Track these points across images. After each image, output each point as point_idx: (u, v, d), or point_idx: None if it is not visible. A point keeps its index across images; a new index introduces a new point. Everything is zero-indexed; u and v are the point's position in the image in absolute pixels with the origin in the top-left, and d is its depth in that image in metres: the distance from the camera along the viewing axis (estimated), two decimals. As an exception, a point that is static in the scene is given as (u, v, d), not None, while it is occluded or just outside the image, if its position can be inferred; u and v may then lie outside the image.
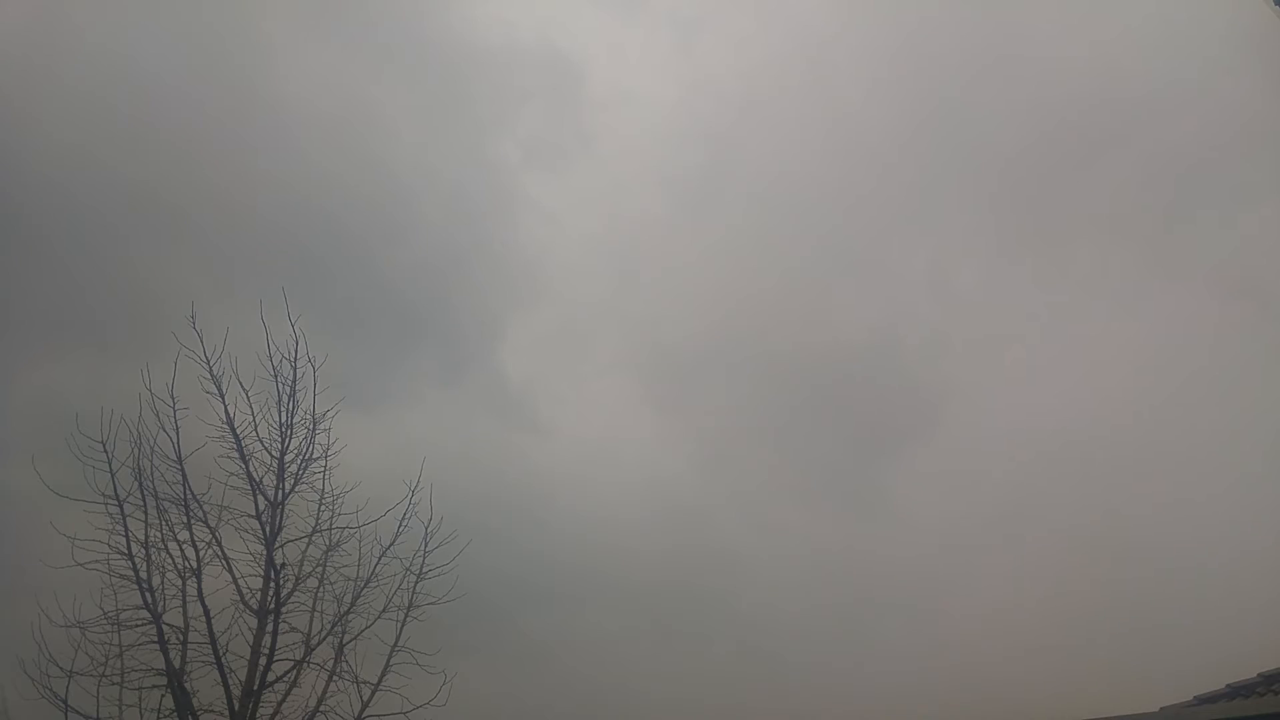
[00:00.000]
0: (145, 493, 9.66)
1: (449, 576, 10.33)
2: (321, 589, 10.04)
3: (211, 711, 9.44)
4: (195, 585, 9.60)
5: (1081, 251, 20.09)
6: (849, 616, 16.86)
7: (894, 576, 17.05)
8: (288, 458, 10.27)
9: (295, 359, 10.44)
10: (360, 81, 20.54)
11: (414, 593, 10.25)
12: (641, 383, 21.17)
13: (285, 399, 10.40)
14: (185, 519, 9.75)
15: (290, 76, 19.62)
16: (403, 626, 10.09)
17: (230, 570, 9.81)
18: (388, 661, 9.98)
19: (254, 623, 9.74)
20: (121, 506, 9.58)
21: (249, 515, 10.03)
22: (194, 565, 9.66)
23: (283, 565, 9.98)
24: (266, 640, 9.68)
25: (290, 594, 9.94)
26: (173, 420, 9.86)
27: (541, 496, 17.46)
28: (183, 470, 9.80)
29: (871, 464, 19.75)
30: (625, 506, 18.54)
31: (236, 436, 10.10)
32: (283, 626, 9.81)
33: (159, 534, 9.67)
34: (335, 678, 9.83)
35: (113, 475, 9.56)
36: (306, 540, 10.16)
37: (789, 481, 19.21)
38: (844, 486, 19.42)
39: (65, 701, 8.97)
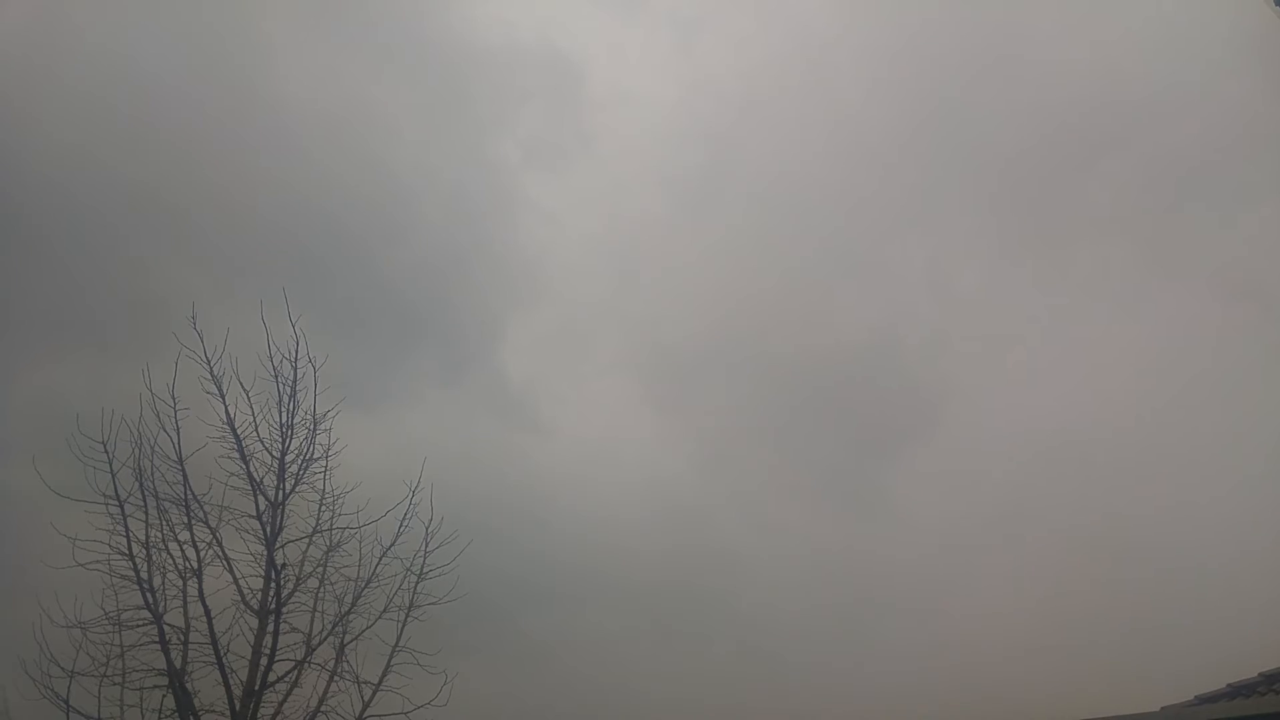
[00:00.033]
0: (146, 493, 9.68)
1: (449, 576, 10.36)
2: (322, 589, 10.05)
3: (213, 711, 9.45)
4: (196, 585, 9.61)
5: (1082, 253, 20.11)
6: (849, 617, 16.86)
7: (894, 577, 17.06)
8: (288, 458, 10.28)
9: (296, 359, 10.47)
10: (360, 81, 20.55)
11: (415, 593, 10.27)
12: (642, 383, 21.18)
13: (286, 399, 10.42)
14: (186, 519, 9.75)
15: (290, 76, 19.64)
16: (403, 627, 10.12)
17: (231, 570, 9.83)
18: (388, 661, 10.00)
19: (255, 623, 9.74)
20: (122, 507, 9.59)
21: (250, 515, 10.04)
22: (195, 565, 9.67)
23: (283, 565, 9.98)
24: (267, 640, 9.68)
25: (291, 594, 9.94)
26: (173, 420, 9.89)
27: (542, 496, 17.47)
28: (183, 470, 9.82)
29: (871, 464, 19.77)
30: (625, 506, 18.55)
31: (237, 437, 10.11)
32: (284, 627, 9.82)
33: (160, 534, 9.68)
34: (336, 678, 9.84)
35: (113, 475, 9.58)
36: (307, 540, 10.17)
37: (789, 481, 19.21)
38: (844, 486, 19.43)
39: (67, 702, 8.98)
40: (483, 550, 11.28)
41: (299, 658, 9.78)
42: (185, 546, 9.72)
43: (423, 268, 19.77)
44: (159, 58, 18.22)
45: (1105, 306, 19.59)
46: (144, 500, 9.65)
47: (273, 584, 9.88)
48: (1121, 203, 19.79)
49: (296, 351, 10.44)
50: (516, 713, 13.85)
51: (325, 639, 9.90)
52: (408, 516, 10.38)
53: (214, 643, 9.46)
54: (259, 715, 9.54)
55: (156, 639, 9.36)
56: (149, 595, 9.45)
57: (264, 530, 10.02)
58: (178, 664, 9.37)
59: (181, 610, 9.53)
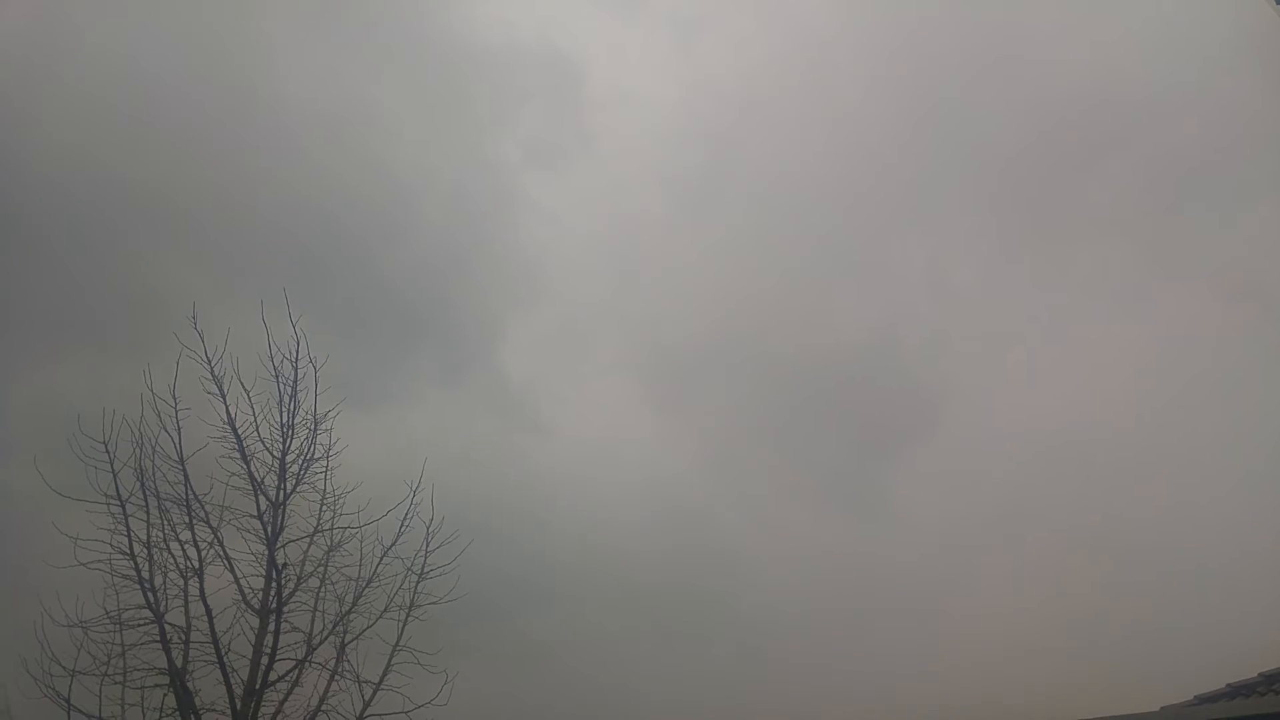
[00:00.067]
0: (147, 493, 9.70)
1: (450, 576, 10.37)
2: (323, 589, 10.07)
3: (213, 711, 9.47)
4: (197, 585, 9.64)
5: (1082, 252, 20.09)
6: (850, 617, 16.86)
7: (895, 577, 17.06)
8: (289, 458, 10.30)
9: (296, 359, 10.49)
10: (360, 81, 20.55)
11: (415, 592, 10.28)
12: (642, 383, 21.17)
13: (286, 399, 10.44)
14: (187, 519, 9.78)
15: (290, 76, 19.63)
16: (404, 626, 10.14)
17: (232, 570, 9.85)
18: (389, 661, 10.02)
19: (256, 622, 9.77)
20: (124, 506, 9.62)
21: (251, 515, 10.06)
22: (196, 565, 9.69)
23: (284, 565, 10.00)
24: (268, 640, 9.70)
25: (292, 594, 9.96)
26: (174, 420, 9.91)
27: (542, 496, 17.46)
28: (184, 470, 9.84)
29: (872, 464, 19.76)
30: (626, 507, 18.54)
31: (238, 437, 10.13)
32: (284, 626, 9.84)
33: (161, 534, 9.70)
34: (337, 677, 9.86)
35: (115, 475, 9.60)
36: (308, 540, 10.19)
37: (789, 481, 19.21)
38: (844, 486, 19.43)
39: (68, 701, 9.00)
40: (483, 550, 11.30)
41: (300, 657, 9.80)
42: (186, 546, 9.76)
43: (423, 268, 19.77)
44: (159, 58, 18.24)
45: (1105, 306, 19.59)
46: (145, 500, 9.69)
47: (274, 583, 9.90)
48: (1121, 202, 19.80)
49: (297, 351, 10.48)
50: (516, 712, 13.86)
51: (326, 638, 9.92)
52: (409, 516, 10.41)
53: (215, 642, 9.48)
54: (260, 714, 9.56)
55: (158, 638, 9.39)
56: (150, 594, 9.47)
57: (265, 530, 10.04)
58: (179, 663, 9.39)
59: (183, 609, 9.56)
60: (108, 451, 9.57)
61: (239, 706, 9.44)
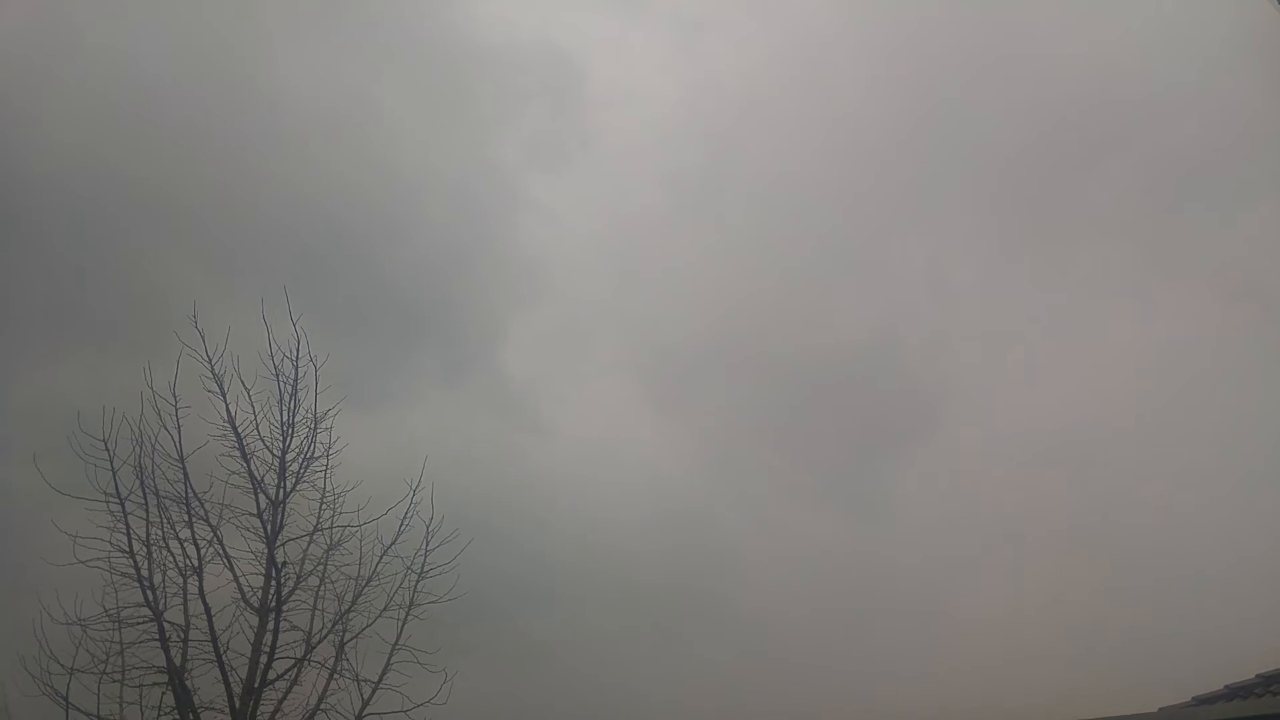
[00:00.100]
0: (147, 491, 9.72)
1: (450, 575, 10.39)
2: (323, 587, 10.08)
3: (212, 709, 9.48)
4: (196, 583, 9.65)
5: (1082, 251, 20.06)
6: (850, 618, 16.85)
7: (895, 579, 17.05)
8: (289, 456, 10.31)
9: (297, 358, 10.50)
10: (362, 80, 20.54)
11: (415, 591, 10.30)
12: (642, 383, 21.15)
13: (287, 398, 10.45)
14: (186, 517, 9.80)
15: (292, 74, 19.62)
16: (404, 625, 10.15)
17: (231, 568, 9.86)
18: (388, 660, 10.02)
19: (255, 621, 9.78)
20: (123, 504, 9.63)
21: (250, 514, 10.07)
22: (195, 563, 9.71)
23: (284, 564, 10.01)
24: (267, 638, 9.71)
25: (291, 592, 9.97)
26: (174, 418, 9.93)
27: (542, 496, 17.45)
28: (184, 468, 9.85)
29: (872, 465, 19.74)
30: (626, 507, 18.53)
31: (238, 435, 10.14)
32: (284, 625, 9.85)
33: (160, 532, 9.72)
34: (336, 676, 9.87)
35: (114, 473, 9.62)
36: (308, 539, 10.20)
37: (790, 482, 19.19)
38: (845, 487, 19.41)
39: (66, 699, 9.02)
40: (483, 549, 11.30)
41: (299, 655, 9.81)
42: (186, 544, 9.77)
43: (424, 266, 19.76)
44: (160, 55, 18.25)
45: (1105, 306, 19.56)
46: (145, 498, 9.71)
47: (273, 582, 9.91)
48: (1122, 202, 19.77)
49: (297, 350, 10.49)
50: (516, 712, 13.87)
51: (325, 637, 9.94)
52: (408, 515, 10.42)
53: (214, 640, 9.50)
54: (259, 713, 9.57)
55: (156, 636, 9.40)
56: (149, 593, 9.49)
57: (264, 528, 10.05)
58: (178, 661, 9.40)
59: (182, 608, 9.58)
60: (107, 449, 9.59)
61: (238, 705, 9.45)
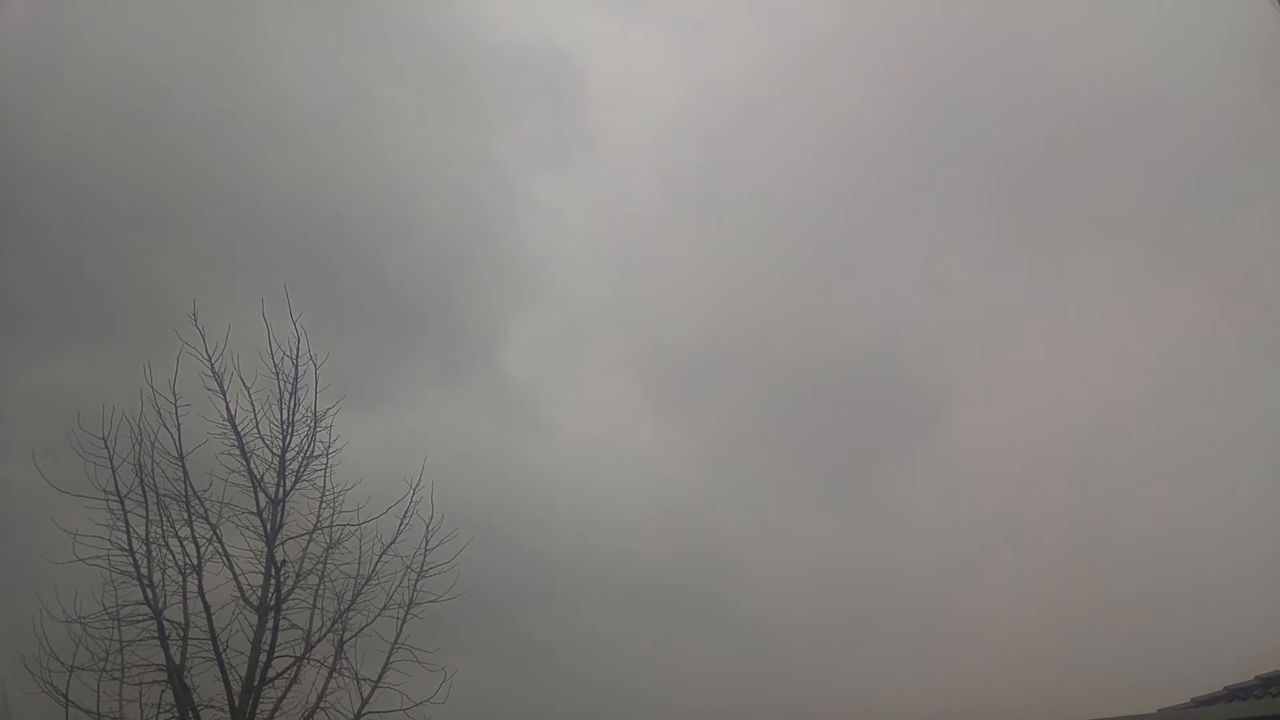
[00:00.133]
0: (146, 489, 9.73)
1: (449, 574, 10.39)
2: (322, 586, 10.09)
3: (212, 707, 9.49)
4: (196, 581, 9.66)
5: (1082, 252, 20.06)
6: (850, 621, 16.84)
7: (895, 580, 17.04)
8: (289, 455, 10.32)
9: (297, 356, 10.51)
10: (363, 78, 20.55)
11: (414, 590, 10.30)
12: (642, 383, 21.15)
13: (286, 396, 10.46)
14: (186, 515, 9.80)
15: (293, 72, 19.62)
16: (403, 624, 10.16)
17: (231, 567, 9.87)
18: (388, 658, 10.03)
19: (254, 619, 9.78)
20: (123, 502, 9.64)
21: (250, 512, 10.07)
22: (195, 561, 9.71)
23: (283, 562, 10.01)
24: (267, 637, 9.72)
25: (291, 591, 9.98)
26: (174, 417, 9.94)
27: (542, 496, 17.44)
28: (184, 467, 9.86)
29: (872, 466, 19.74)
30: (626, 507, 18.52)
31: (238, 433, 10.15)
32: (283, 623, 9.86)
33: (160, 530, 9.73)
34: (335, 674, 9.88)
35: (114, 471, 9.62)
36: (307, 537, 10.21)
37: (790, 483, 19.19)
38: (845, 489, 19.40)
39: (66, 696, 9.02)
40: (482, 549, 11.30)
41: (298, 654, 9.81)
42: (185, 542, 9.78)
43: (425, 265, 19.75)
44: (162, 52, 18.25)
45: (1105, 306, 19.54)
46: (144, 496, 9.71)
47: (272, 580, 9.92)
48: (1122, 202, 19.76)
49: (298, 348, 10.50)
50: (515, 711, 13.86)
51: (325, 635, 9.95)
52: (408, 514, 10.43)
53: (213, 638, 9.51)
54: (258, 711, 9.57)
55: (156, 634, 9.41)
56: (149, 591, 9.49)
57: (264, 527, 10.06)
58: (177, 659, 9.41)
59: (181, 606, 9.59)
60: (107, 447, 9.60)
61: (237, 703, 9.46)
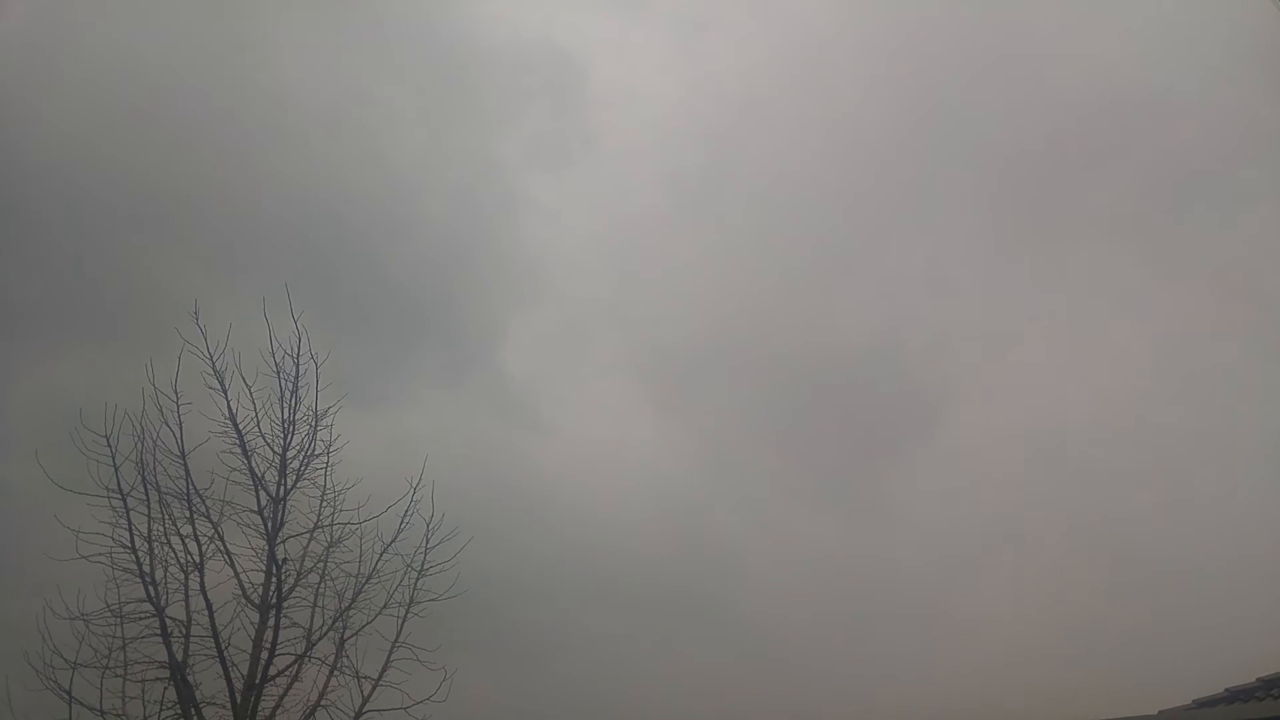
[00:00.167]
0: (148, 487, 9.72)
1: (449, 573, 10.39)
2: (323, 584, 10.09)
3: (214, 704, 9.50)
4: (198, 579, 9.66)
5: (1082, 252, 20.08)
6: (850, 621, 16.86)
7: (895, 580, 17.06)
8: (290, 454, 10.32)
9: (298, 355, 10.50)
10: (364, 78, 20.59)
11: (415, 589, 10.30)
12: (642, 383, 21.17)
13: (288, 395, 10.45)
14: (188, 513, 9.80)
15: (294, 72, 19.65)
16: (403, 623, 10.14)
17: (232, 565, 9.86)
18: (388, 657, 10.03)
19: (256, 617, 9.79)
20: (125, 500, 9.64)
21: (251, 510, 10.07)
22: (196, 559, 9.72)
23: (284, 560, 10.02)
24: (268, 635, 9.72)
25: (292, 589, 9.97)
26: (176, 415, 9.93)
27: (542, 496, 17.47)
28: (186, 465, 9.85)
29: (873, 466, 19.75)
30: (626, 507, 18.55)
31: (239, 432, 10.15)
32: (284, 621, 9.85)
33: (162, 528, 9.72)
34: (336, 672, 9.88)
35: (116, 469, 9.62)
36: (308, 536, 10.20)
37: (791, 483, 19.21)
38: (845, 489, 19.42)
39: (69, 693, 9.03)
40: (483, 548, 11.31)
41: (299, 652, 9.82)
42: (187, 540, 9.77)
43: (425, 265, 19.79)
44: (162, 52, 18.28)
45: (1105, 306, 19.57)
46: (146, 494, 9.71)
47: (273, 579, 9.92)
48: (1122, 202, 19.79)
49: (299, 347, 10.49)
50: (515, 711, 13.88)
51: (325, 634, 9.94)
52: (409, 513, 10.43)
53: (215, 636, 9.51)
54: (259, 709, 9.59)
55: (158, 632, 9.42)
56: (151, 588, 9.50)
57: (265, 525, 10.06)
58: (179, 657, 9.42)
59: (183, 603, 9.59)
60: (109, 446, 9.60)
61: (239, 701, 9.47)
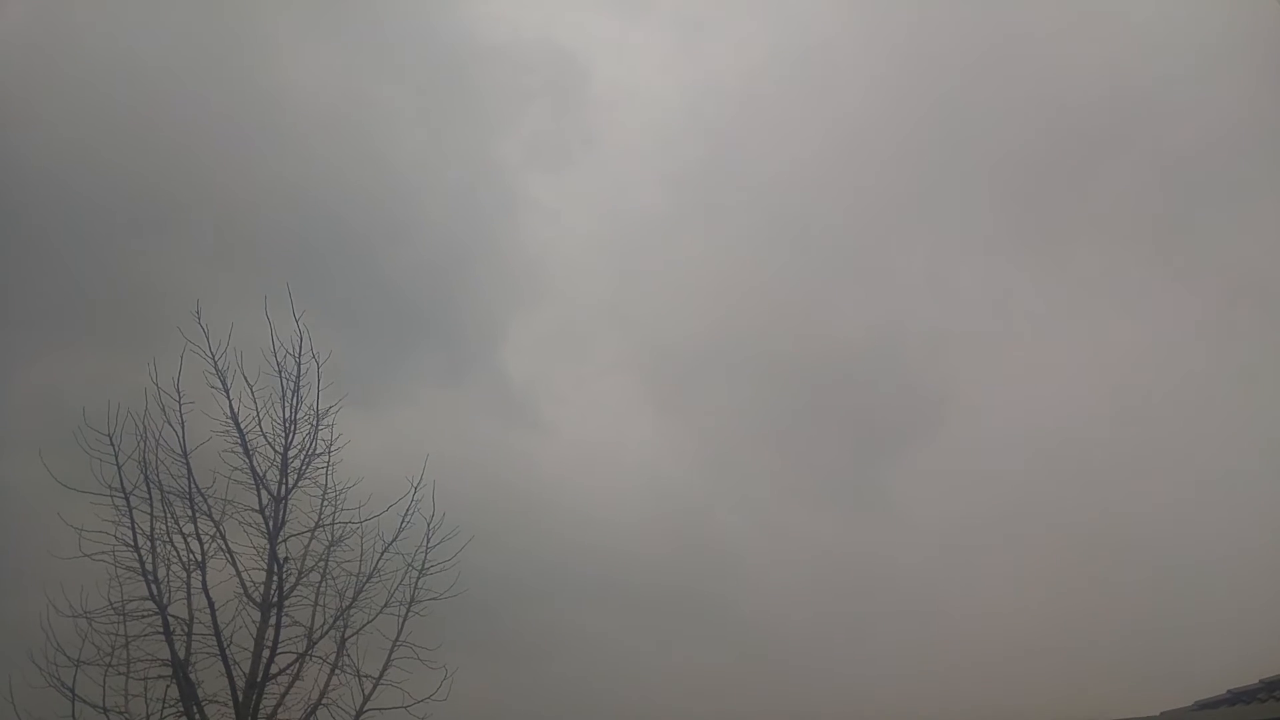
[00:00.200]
0: (151, 486, 9.73)
1: (450, 573, 10.40)
2: (324, 583, 10.10)
3: (216, 702, 9.52)
4: (200, 578, 9.68)
5: (1082, 250, 20.10)
6: (850, 619, 16.87)
7: (895, 579, 17.08)
8: (291, 453, 10.33)
9: (299, 355, 10.51)
10: (364, 78, 20.63)
11: (415, 588, 10.31)
12: (643, 383, 21.21)
13: (289, 394, 10.47)
14: (190, 512, 9.82)
15: (294, 73, 19.70)
16: (404, 621, 10.16)
17: (234, 563, 9.88)
18: (389, 656, 10.04)
19: (257, 616, 9.81)
20: (127, 499, 9.66)
21: (252, 509, 10.09)
22: (198, 558, 9.74)
23: (285, 559, 10.04)
24: (269, 633, 9.74)
25: (293, 588, 9.99)
26: (178, 414, 9.95)
27: (542, 496, 17.50)
28: (188, 464, 9.87)
29: (873, 465, 19.77)
30: (626, 507, 18.57)
31: (240, 431, 10.16)
32: (285, 620, 9.87)
33: (164, 527, 9.74)
34: (337, 671, 9.90)
35: (119, 468, 9.64)
36: (309, 535, 10.22)
37: (791, 483, 19.23)
38: (845, 488, 19.44)
39: (72, 690, 9.06)
40: (483, 548, 11.34)
41: (300, 651, 9.84)
42: (189, 539, 9.80)
43: (425, 266, 19.84)
44: (162, 53, 18.32)
45: (1105, 305, 19.59)
46: (149, 493, 9.72)
47: (275, 577, 9.94)
48: (1122, 201, 19.80)
49: (300, 347, 10.50)
50: (515, 710, 13.91)
51: (326, 633, 9.96)
52: (409, 512, 10.43)
53: (217, 634, 9.53)
54: (261, 707, 9.61)
55: (161, 630, 9.44)
56: (153, 586, 9.52)
57: (266, 524, 10.08)
58: (181, 655, 9.44)
59: (185, 602, 9.62)
60: (112, 444, 9.63)
61: (240, 699, 9.50)
